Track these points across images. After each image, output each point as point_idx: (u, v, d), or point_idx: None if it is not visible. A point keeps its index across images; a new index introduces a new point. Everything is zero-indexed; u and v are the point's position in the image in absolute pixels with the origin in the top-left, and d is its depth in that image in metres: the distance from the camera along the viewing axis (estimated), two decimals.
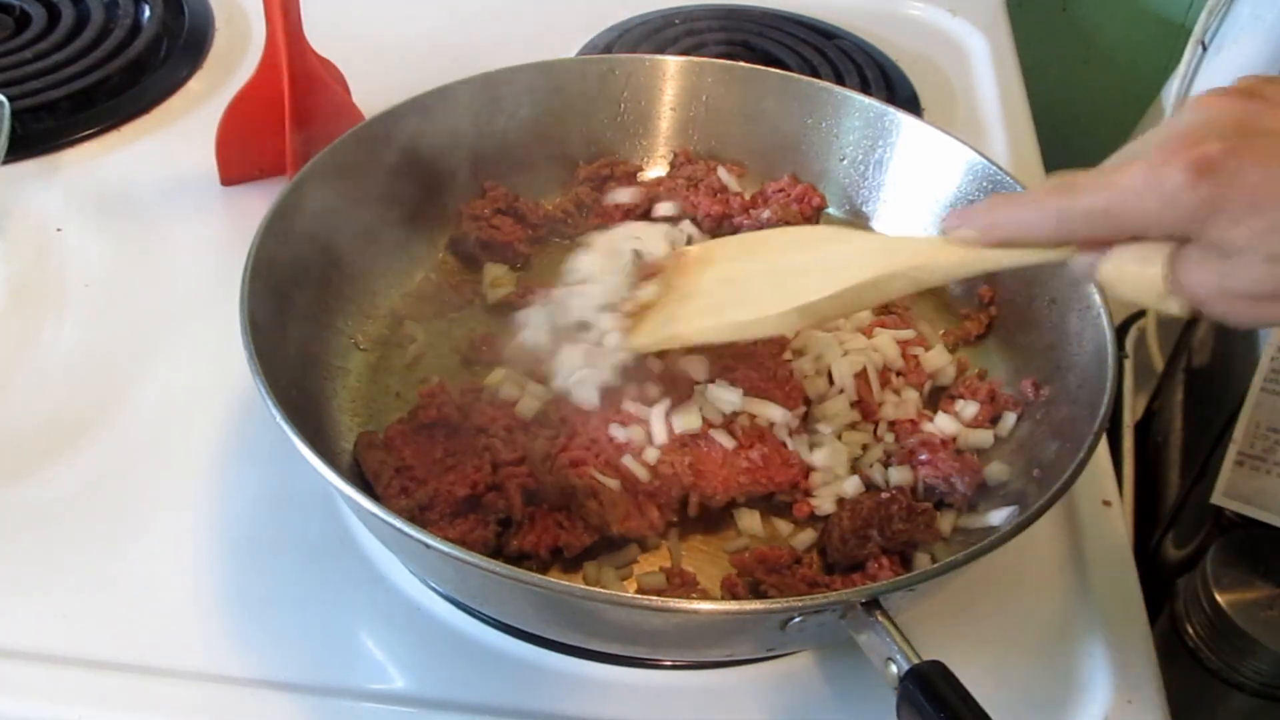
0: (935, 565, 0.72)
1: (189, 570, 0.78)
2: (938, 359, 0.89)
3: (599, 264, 0.82)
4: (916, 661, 0.61)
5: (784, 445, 0.82)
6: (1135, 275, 0.58)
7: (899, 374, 0.89)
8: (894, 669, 0.61)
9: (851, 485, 0.81)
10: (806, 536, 0.79)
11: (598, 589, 0.69)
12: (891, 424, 0.86)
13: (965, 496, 0.81)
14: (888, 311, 0.93)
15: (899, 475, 0.82)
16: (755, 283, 0.76)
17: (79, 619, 0.75)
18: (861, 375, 0.86)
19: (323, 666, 0.74)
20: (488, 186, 0.98)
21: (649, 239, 0.84)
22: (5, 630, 0.74)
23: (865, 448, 0.85)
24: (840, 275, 0.70)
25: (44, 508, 0.81)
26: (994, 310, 0.92)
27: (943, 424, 0.84)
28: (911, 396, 0.87)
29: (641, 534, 0.77)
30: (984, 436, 0.84)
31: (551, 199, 1.01)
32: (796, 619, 0.63)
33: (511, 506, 0.76)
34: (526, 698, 0.73)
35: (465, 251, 0.96)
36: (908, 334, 0.91)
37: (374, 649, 0.75)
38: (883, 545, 0.76)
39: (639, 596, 0.71)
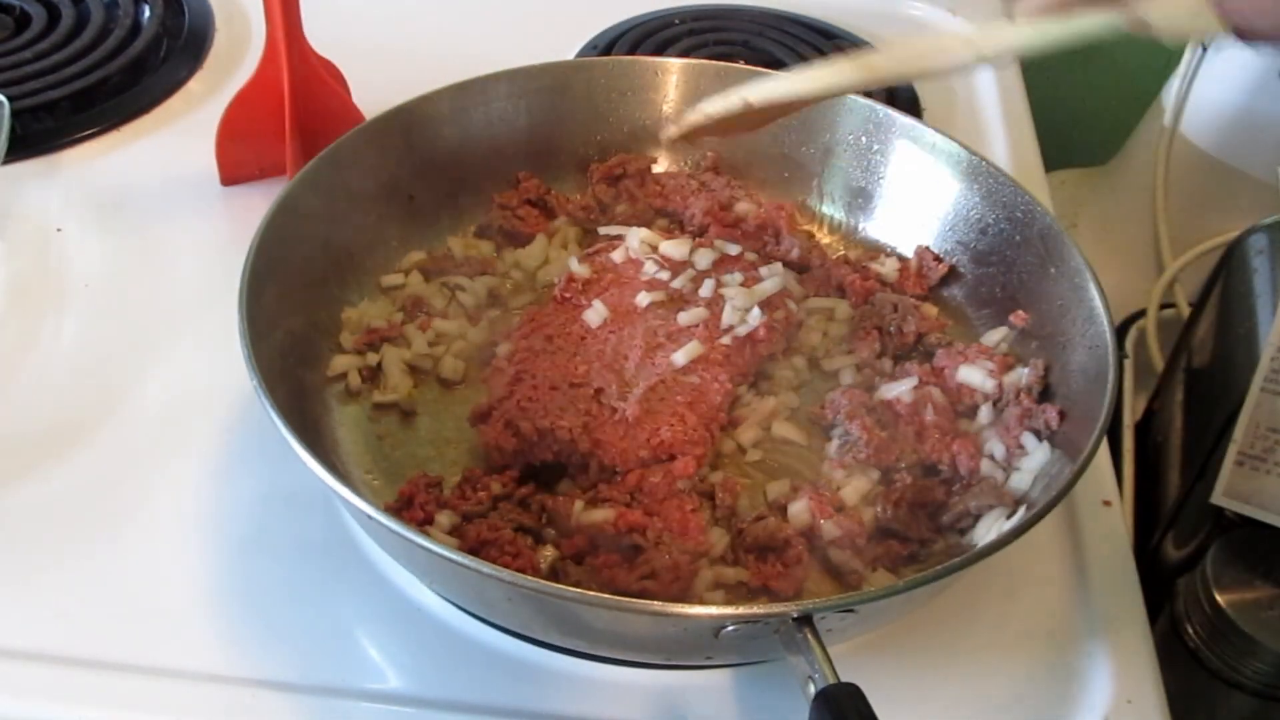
0: (884, 587, 0.69)
1: (189, 570, 0.78)
2: (1013, 377, 0.86)
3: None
4: (832, 682, 0.60)
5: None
6: (1174, 6, 0.65)
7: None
8: (812, 688, 0.61)
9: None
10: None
11: (523, 576, 0.63)
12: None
13: (962, 481, 0.80)
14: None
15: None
16: None
17: (79, 619, 0.75)
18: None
19: (322, 666, 0.74)
20: (521, 177, 0.99)
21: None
22: (5, 630, 0.74)
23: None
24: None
25: (44, 508, 0.81)
26: (1026, 316, 0.89)
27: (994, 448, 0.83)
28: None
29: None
30: (1040, 457, 0.81)
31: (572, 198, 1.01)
32: (730, 628, 0.63)
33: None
34: (526, 698, 0.73)
35: (490, 238, 0.97)
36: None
37: (374, 649, 0.76)
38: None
39: (568, 589, 0.64)
